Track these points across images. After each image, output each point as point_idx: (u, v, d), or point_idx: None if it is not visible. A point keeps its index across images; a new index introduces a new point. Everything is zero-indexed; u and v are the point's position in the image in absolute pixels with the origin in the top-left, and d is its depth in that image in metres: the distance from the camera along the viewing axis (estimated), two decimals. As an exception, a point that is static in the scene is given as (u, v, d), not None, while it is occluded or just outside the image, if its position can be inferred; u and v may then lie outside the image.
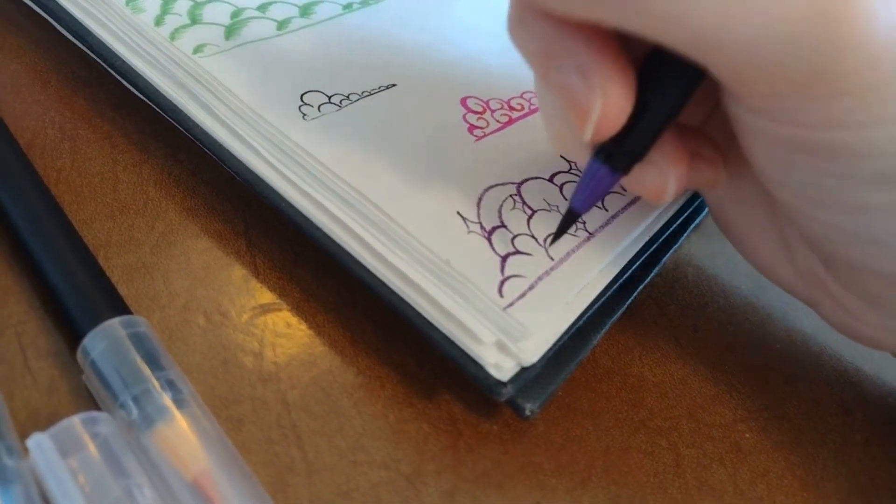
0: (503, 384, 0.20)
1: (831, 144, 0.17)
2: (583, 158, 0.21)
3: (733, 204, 0.24)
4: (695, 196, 0.28)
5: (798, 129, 0.17)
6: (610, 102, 0.18)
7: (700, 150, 0.22)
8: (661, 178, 0.20)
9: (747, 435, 0.24)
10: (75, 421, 0.17)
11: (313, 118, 0.24)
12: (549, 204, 0.24)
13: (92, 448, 0.17)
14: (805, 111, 0.17)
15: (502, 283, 0.21)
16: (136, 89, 0.25)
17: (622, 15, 0.16)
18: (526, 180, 0.25)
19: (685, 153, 0.21)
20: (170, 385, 0.19)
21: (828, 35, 0.15)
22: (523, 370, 0.21)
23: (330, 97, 0.25)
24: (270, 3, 0.28)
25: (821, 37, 0.15)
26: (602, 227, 0.24)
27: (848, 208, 0.18)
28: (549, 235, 0.23)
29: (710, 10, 0.15)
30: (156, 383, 0.18)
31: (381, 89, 0.26)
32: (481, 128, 0.26)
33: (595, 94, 0.18)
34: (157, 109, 0.25)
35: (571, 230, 0.23)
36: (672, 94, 0.19)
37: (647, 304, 0.27)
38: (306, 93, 0.25)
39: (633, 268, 0.25)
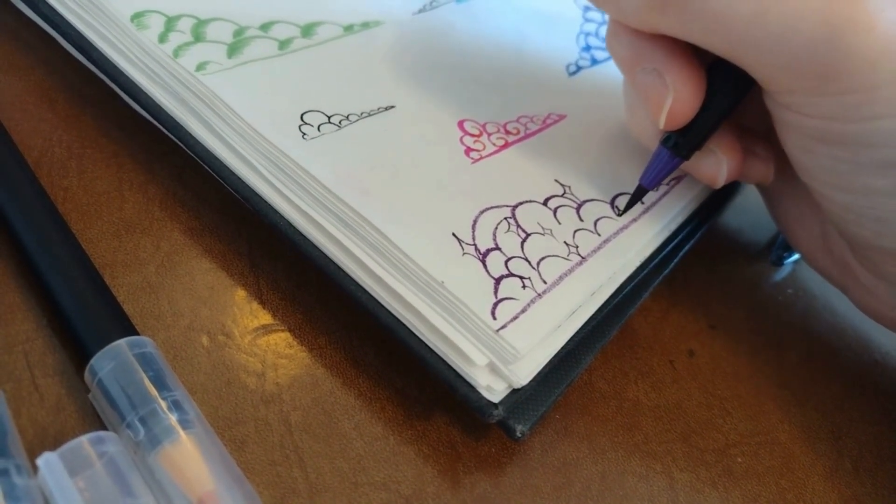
0: (494, 405, 0.21)
1: (843, 135, 0.21)
2: (653, 145, 0.26)
3: (786, 200, 0.28)
4: (686, 222, 0.28)
5: (816, 120, 0.21)
6: (679, 98, 0.23)
7: (754, 149, 0.27)
8: (717, 164, 0.25)
9: (739, 459, 0.24)
10: (83, 441, 0.18)
11: (313, 137, 0.24)
12: (542, 227, 0.25)
13: (99, 467, 0.17)
14: (820, 105, 0.20)
15: (495, 305, 0.22)
16: (140, 105, 0.25)
17: (674, 20, 0.21)
18: (521, 203, 0.25)
19: (739, 147, 0.25)
20: (176, 406, 0.19)
21: (834, 41, 0.19)
22: (514, 392, 0.21)
23: (330, 117, 0.26)
24: (273, 23, 0.29)
25: (829, 42, 0.19)
26: (594, 251, 0.25)
27: (858, 191, 0.22)
28: (542, 258, 0.24)
29: (743, 8, 0.20)
30: (162, 404, 0.19)
31: (379, 110, 0.27)
32: (478, 150, 0.27)
33: (668, 90, 0.23)
34: (159, 126, 0.25)
35: (564, 254, 0.24)
36: (725, 96, 0.24)
37: (643, 329, 0.27)
38: (306, 112, 0.25)
39: (625, 292, 0.25)
